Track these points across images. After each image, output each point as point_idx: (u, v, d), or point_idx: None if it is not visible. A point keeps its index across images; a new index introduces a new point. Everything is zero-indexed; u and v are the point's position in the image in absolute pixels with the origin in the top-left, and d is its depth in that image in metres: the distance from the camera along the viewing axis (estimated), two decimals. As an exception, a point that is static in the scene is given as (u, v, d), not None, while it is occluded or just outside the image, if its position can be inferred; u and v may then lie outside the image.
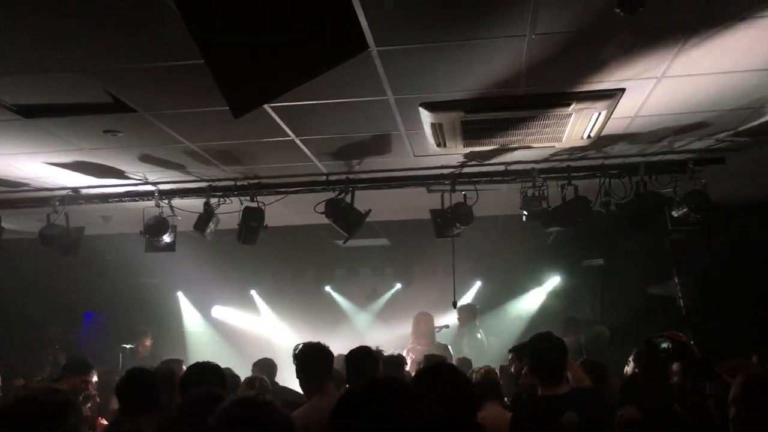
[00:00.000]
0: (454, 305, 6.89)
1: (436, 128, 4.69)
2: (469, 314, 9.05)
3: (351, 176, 6.08)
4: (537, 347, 3.94)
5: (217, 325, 11.85)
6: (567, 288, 10.54)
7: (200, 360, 4.48)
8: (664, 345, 3.68)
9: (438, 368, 3.30)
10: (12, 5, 2.97)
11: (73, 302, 9.76)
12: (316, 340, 4.45)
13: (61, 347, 8.25)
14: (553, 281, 10.76)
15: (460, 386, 3.05)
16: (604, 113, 4.45)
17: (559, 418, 3.52)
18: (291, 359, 5.62)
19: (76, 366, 5.62)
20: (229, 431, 2.21)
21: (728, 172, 6.01)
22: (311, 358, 4.24)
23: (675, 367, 3.85)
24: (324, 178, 6.18)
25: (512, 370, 5.34)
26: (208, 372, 3.94)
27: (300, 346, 4.35)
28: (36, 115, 4.37)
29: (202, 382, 3.48)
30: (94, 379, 5.70)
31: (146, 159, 5.53)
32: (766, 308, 5.43)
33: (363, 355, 4.54)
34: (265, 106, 4.28)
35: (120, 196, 6.50)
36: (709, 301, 7.13)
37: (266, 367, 6.28)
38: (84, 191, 6.41)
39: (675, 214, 5.82)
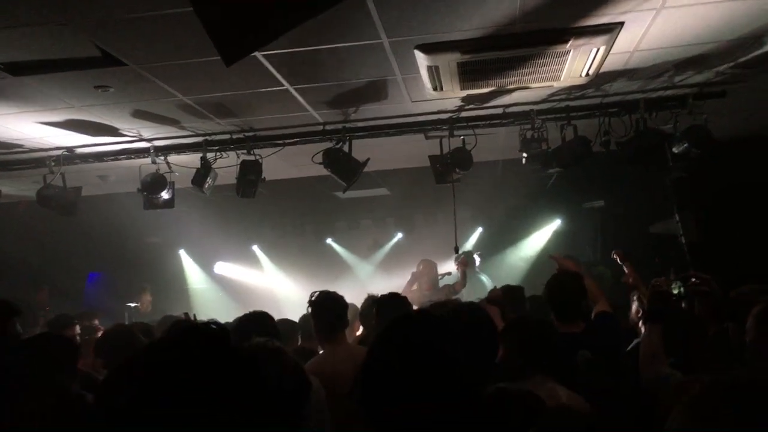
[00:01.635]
0: (456, 250, 6.89)
1: (433, 71, 4.61)
2: (465, 262, 9.06)
3: (348, 125, 6.02)
4: (552, 287, 4.06)
5: (220, 281, 11.96)
6: (568, 231, 10.58)
7: (204, 316, 4.49)
8: (676, 291, 3.68)
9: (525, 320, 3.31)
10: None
11: (75, 264, 9.79)
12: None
13: (51, 309, 8.24)
14: (554, 224, 10.80)
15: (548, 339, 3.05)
16: (602, 49, 4.36)
17: (575, 355, 3.58)
18: (295, 312, 5.68)
19: (55, 322, 5.58)
20: None
21: (729, 106, 5.94)
22: (324, 307, 4.14)
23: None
24: (321, 128, 6.11)
25: None
26: (259, 322, 3.88)
27: (315, 294, 4.25)
28: (24, 72, 4.29)
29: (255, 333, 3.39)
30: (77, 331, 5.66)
31: (139, 115, 5.46)
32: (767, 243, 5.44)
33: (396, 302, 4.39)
34: (257, 54, 4.20)
35: (115, 154, 6.44)
36: (711, 237, 7.12)
37: None
38: (79, 150, 6.35)
39: (676, 150, 5.76)
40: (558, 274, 4.28)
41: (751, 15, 4.04)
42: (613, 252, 5.56)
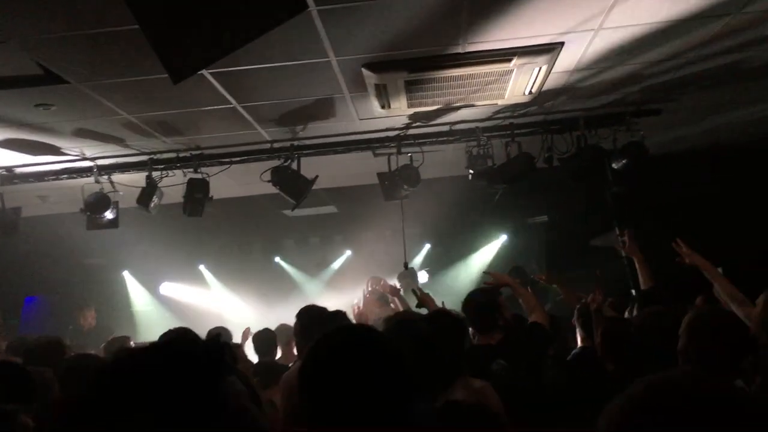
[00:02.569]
0: (406, 266, 6.94)
1: (381, 89, 4.67)
2: (408, 280, 9.07)
3: (296, 143, 6.02)
4: (467, 302, 4.24)
5: (166, 302, 11.70)
6: (514, 246, 10.76)
7: (149, 338, 4.40)
8: None
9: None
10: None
11: (13, 287, 9.46)
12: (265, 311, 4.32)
13: (2, 333, 7.93)
14: (501, 240, 10.97)
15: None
16: (544, 68, 4.50)
17: (490, 364, 3.71)
18: (241, 331, 5.63)
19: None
20: None
21: (664, 123, 6.19)
22: (316, 320, 3.96)
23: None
24: (268, 145, 6.09)
25: None
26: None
27: (303, 308, 4.16)
28: (-39, 90, 4.18)
29: None
30: None
31: (82, 133, 5.35)
32: (707, 252, 5.64)
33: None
34: (205, 72, 4.19)
35: (56, 174, 6.27)
36: (649, 250, 7.34)
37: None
38: (18, 170, 6.17)
39: (615, 166, 5.95)
40: (471, 291, 4.46)
41: (683, 36, 4.23)
42: (535, 275, 5.82)
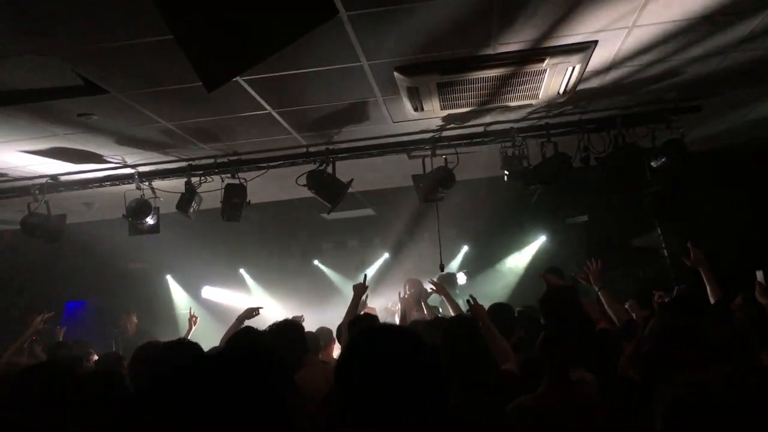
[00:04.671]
0: (441, 269, 6.93)
1: (413, 92, 4.68)
2: (445, 284, 9.04)
3: (331, 147, 6.07)
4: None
5: (208, 306, 11.86)
6: (553, 246, 10.64)
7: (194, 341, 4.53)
8: None
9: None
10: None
11: (59, 292, 9.71)
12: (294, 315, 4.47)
13: (39, 338, 8.10)
14: (539, 241, 10.86)
15: None
16: (578, 67, 4.45)
17: None
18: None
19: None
20: None
21: (705, 120, 6.06)
22: (280, 335, 4.19)
23: None
24: (304, 150, 6.16)
25: None
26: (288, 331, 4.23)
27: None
28: (6, 102, 4.31)
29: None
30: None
31: (123, 141, 5.48)
32: (747, 252, 5.52)
33: None
34: (239, 79, 4.26)
35: (100, 181, 6.45)
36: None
37: None
38: (63, 178, 6.36)
39: (654, 164, 5.84)
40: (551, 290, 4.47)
41: (719, 32, 4.15)
42: (576, 274, 5.71)
